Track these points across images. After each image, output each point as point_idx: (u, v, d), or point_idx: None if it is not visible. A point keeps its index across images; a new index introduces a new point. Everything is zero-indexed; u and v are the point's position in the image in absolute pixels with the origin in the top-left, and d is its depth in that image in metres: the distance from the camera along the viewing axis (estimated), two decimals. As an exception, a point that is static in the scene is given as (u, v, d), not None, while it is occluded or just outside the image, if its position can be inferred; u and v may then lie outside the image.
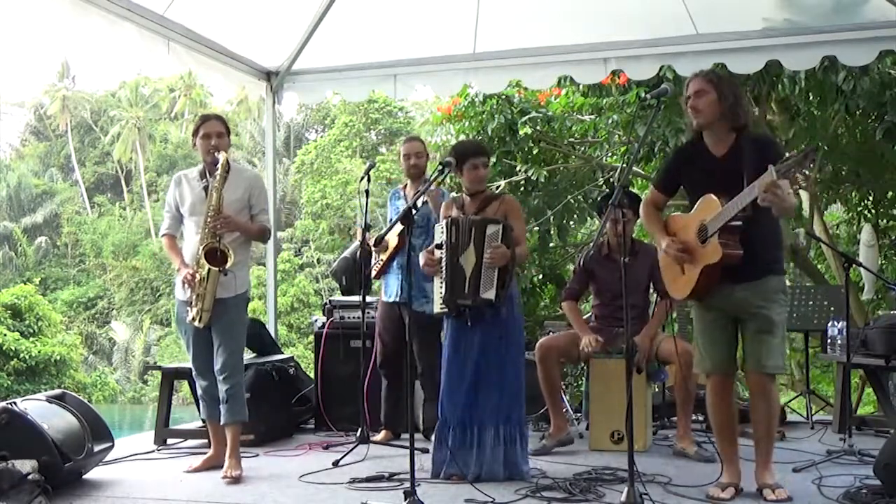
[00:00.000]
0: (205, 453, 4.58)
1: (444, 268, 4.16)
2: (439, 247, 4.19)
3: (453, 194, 5.64)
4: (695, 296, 3.72)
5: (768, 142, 3.95)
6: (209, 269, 4.15)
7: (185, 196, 4.41)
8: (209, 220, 4.20)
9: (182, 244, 4.43)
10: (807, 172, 3.24)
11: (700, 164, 3.70)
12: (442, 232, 4.21)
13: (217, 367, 4.31)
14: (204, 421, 4.72)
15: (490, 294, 4.08)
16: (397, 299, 5.19)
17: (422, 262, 4.27)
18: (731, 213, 3.45)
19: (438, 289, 4.22)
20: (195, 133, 4.43)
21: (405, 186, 5.43)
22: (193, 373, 4.47)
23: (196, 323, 4.22)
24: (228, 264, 4.17)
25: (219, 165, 4.25)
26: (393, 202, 5.46)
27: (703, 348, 3.79)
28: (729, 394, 3.80)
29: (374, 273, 5.34)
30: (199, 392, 4.48)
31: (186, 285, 4.24)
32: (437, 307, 4.25)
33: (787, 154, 3.31)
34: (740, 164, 3.48)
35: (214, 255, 4.18)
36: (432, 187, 4.50)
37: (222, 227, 4.20)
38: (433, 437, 4.27)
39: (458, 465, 4.07)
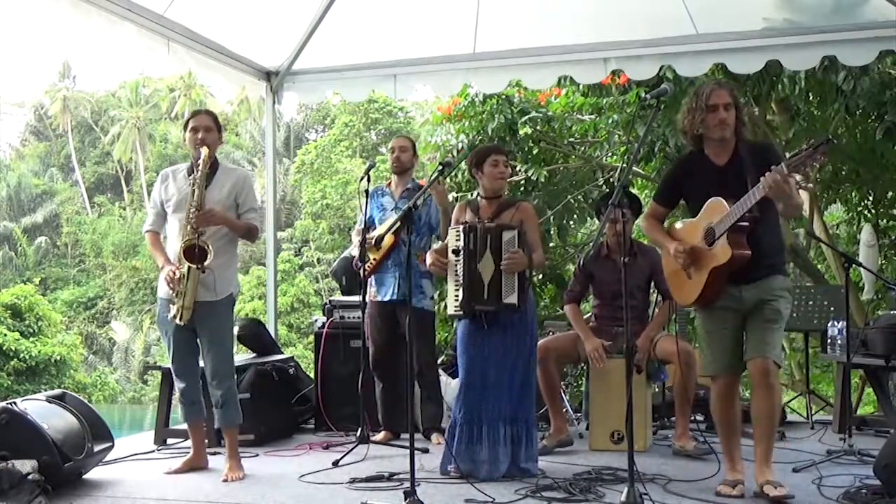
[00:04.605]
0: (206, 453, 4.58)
1: (460, 273, 4.15)
2: (456, 252, 4.17)
3: (453, 194, 5.63)
4: (703, 300, 3.71)
5: (767, 145, 4.07)
6: (189, 267, 4.11)
7: (170, 192, 4.34)
8: (190, 215, 4.13)
9: (166, 243, 4.38)
10: (817, 165, 3.33)
11: (702, 174, 3.74)
12: (458, 238, 4.18)
13: (208, 373, 4.28)
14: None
15: (512, 299, 4.10)
16: (394, 297, 5.12)
17: (429, 261, 4.32)
18: (740, 213, 3.49)
19: (453, 292, 4.20)
20: (185, 127, 4.40)
21: (389, 182, 5.40)
22: (172, 374, 4.41)
23: (178, 321, 4.17)
24: (207, 261, 4.10)
25: (200, 161, 4.20)
26: (376, 198, 5.33)
27: (709, 351, 3.79)
28: (735, 395, 3.84)
29: (364, 272, 5.18)
30: (178, 394, 4.43)
31: (168, 282, 4.20)
32: (452, 310, 4.23)
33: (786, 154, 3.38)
34: (742, 170, 3.56)
35: (193, 253, 4.11)
36: (438, 185, 4.52)
37: (205, 221, 4.14)
38: (445, 434, 4.28)
39: (467, 463, 4.09)
